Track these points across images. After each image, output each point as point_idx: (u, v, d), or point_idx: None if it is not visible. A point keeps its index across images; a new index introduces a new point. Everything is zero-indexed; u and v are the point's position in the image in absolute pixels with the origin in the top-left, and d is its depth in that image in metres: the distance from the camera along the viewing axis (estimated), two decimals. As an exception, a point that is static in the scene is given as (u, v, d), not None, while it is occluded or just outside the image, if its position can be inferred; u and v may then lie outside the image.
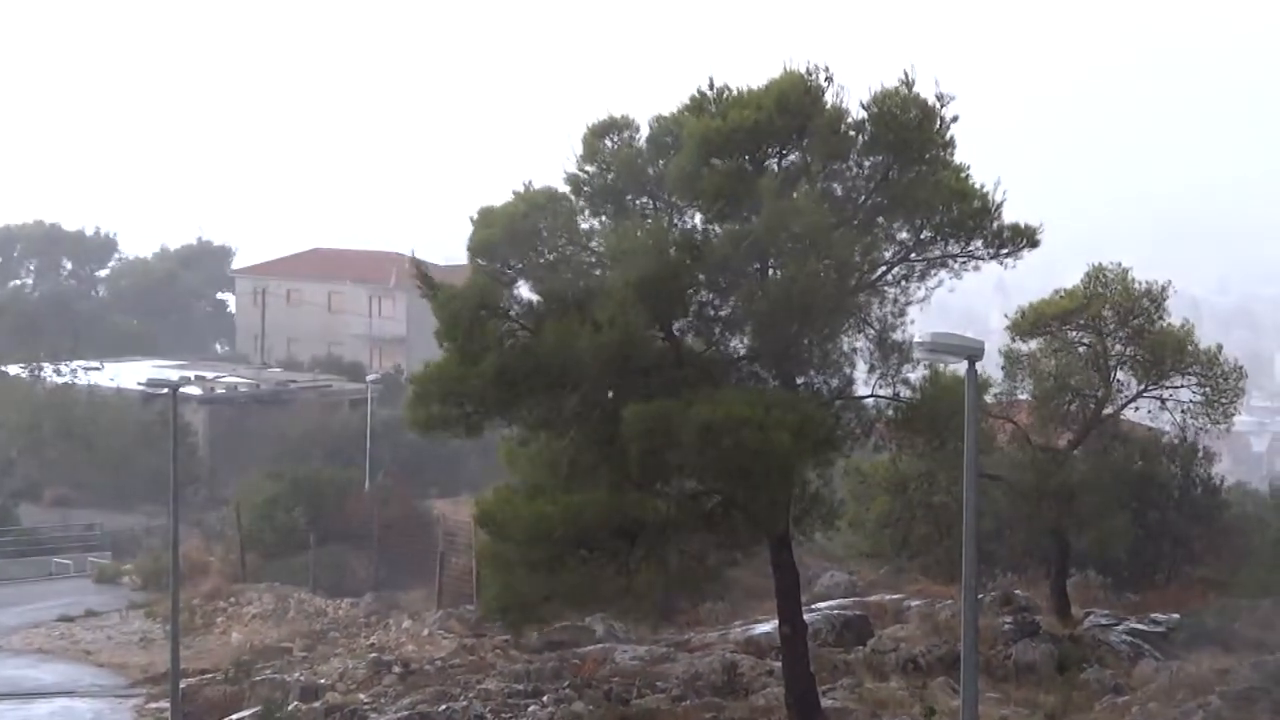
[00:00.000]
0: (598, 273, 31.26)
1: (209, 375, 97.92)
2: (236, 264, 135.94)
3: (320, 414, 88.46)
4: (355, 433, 77.41)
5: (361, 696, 39.74)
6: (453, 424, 31.52)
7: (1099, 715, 35.23)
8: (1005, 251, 32.67)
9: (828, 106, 31.70)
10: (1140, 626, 43.27)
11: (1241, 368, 46.95)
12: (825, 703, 34.57)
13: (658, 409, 29.32)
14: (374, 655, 44.68)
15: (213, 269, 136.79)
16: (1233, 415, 47.14)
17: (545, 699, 36.91)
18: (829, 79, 31.69)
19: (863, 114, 31.91)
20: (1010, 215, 32.54)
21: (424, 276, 31.64)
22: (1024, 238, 32.49)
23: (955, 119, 31.88)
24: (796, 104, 31.12)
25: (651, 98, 34.87)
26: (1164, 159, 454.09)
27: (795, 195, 30.34)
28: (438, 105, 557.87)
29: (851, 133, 31.99)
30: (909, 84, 31.87)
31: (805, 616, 35.95)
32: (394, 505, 64.45)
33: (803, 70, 31.61)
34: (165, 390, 42.18)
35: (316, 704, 39.06)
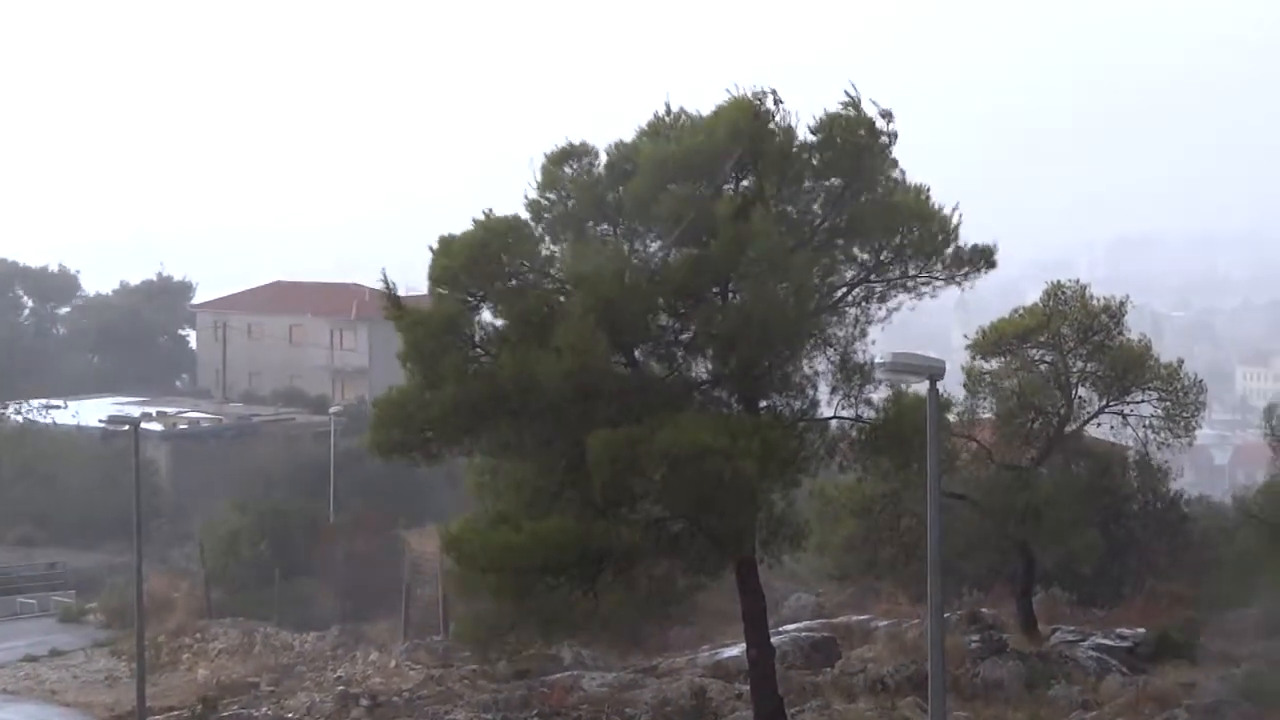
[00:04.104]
0: (560, 299, 31.23)
1: (171, 411, 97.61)
2: (197, 299, 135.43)
3: (283, 447, 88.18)
4: (319, 465, 77.21)
5: (329, 730, 39.63)
6: (413, 449, 31.53)
7: (1067, 731, 35.32)
8: (964, 273, 32.76)
9: (778, 130, 31.71)
10: (1106, 642, 43.40)
11: (1201, 382, 47.23)
12: (794, 725, 34.56)
13: (622, 437, 29.26)
14: (341, 688, 44.53)
15: (173, 305, 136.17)
16: (1194, 429, 47.37)
17: (514, 728, 36.85)
18: (778, 102, 31.71)
19: (812, 136, 31.94)
20: (969, 235, 32.70)
21: (391, 298, 31.64)
22: (982, 258, 32.59)
23: (896, 135, 31.91)
24: (746, 129, 31.12)
25: (611, 123, 34.92)
26: (1121, 176, 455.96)
27: (750, 219, 30.32)
28: (396, 135, 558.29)
29: (804, 155, 32.02)
30: (855, 104, 31.89)
31: (773, 639, 35.92)
32: (360, 537, 64.26)
33: (751, 95, 31.61)
34: (127, 427, 42.07)
35: (284, 738, 38.96)
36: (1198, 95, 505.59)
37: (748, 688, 35.66)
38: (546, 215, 32.47)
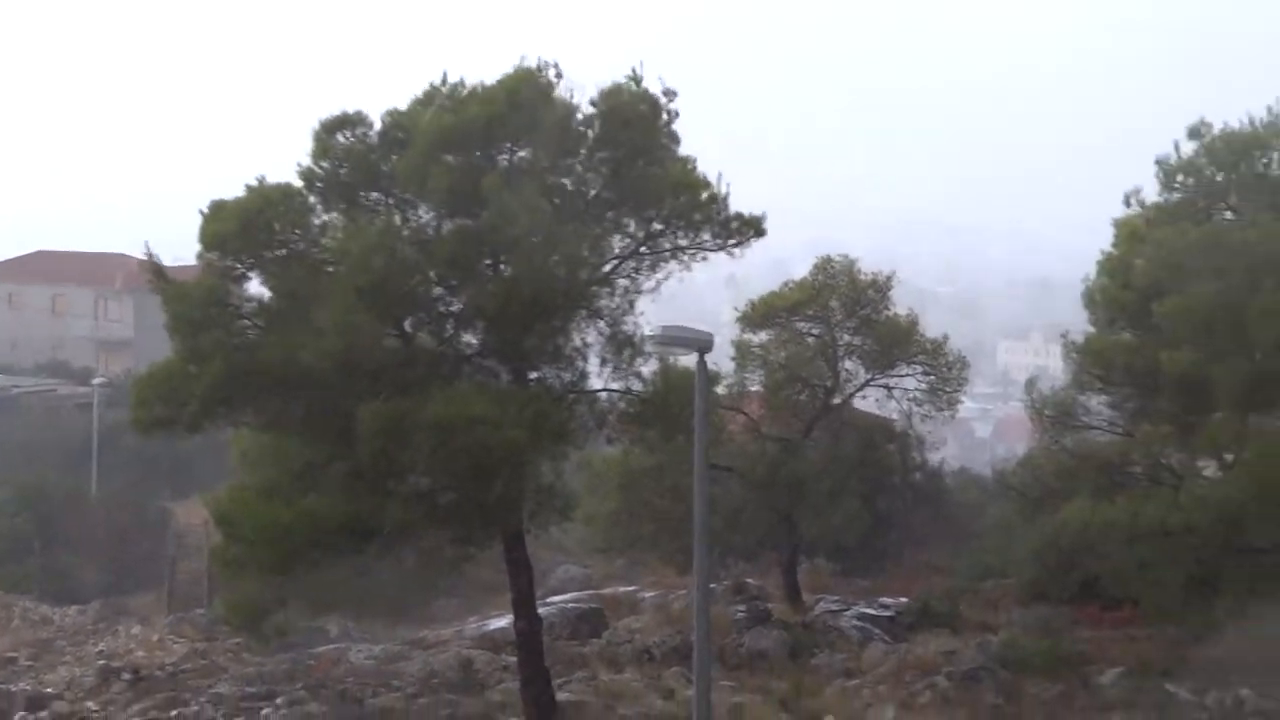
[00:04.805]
0: (330, 269, 30.95)
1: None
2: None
3: (45, 419, 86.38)
4: (82, 437, 75.81)
5: (90, 705, 38.87)
6: (177, 424, 31.07)
7: (830, 699, 35.83)
8: (733, 242, 33.00)
9: (558, 102, 31.79)
10: (869, 611, 44.14)
11: (964, 357, 48.21)
12: (561, 696, 34.67)
13: (391, 409, 29.12)
14: (102, 662, 43.73)
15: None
16: (957, 403, 48.36)
17: (279, 701, 36.49)
18: (559, 75, 31.80)
19: (592, 109, 32.08)
20: (738, 208, 32.95)
21: (155, 269, 31.09)
22: (750, 227, 32.83)
23: (678, 114, 32.21)
24: (527, 100, 31.17)
25: (385, 93, 34.69)
26: (891, 155, 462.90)
27: (520, 191, 30.33)
28: (165, 101, 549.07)
29: (582, 128, 32.12)
30: (637, 80, 32.11)
31: (540, 610, 36.03)
32: (123, 509, 63.24)
33: (533, 66, 31.68)
34: (-120, 396, 41.03)
35: (43, 713, 38.15)
36: (974, 86, 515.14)
37: (515, 659, 35.75)
38: (319, 184, 32.15)
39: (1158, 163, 36.97)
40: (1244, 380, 33.75)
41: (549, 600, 44.85)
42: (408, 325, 31.71)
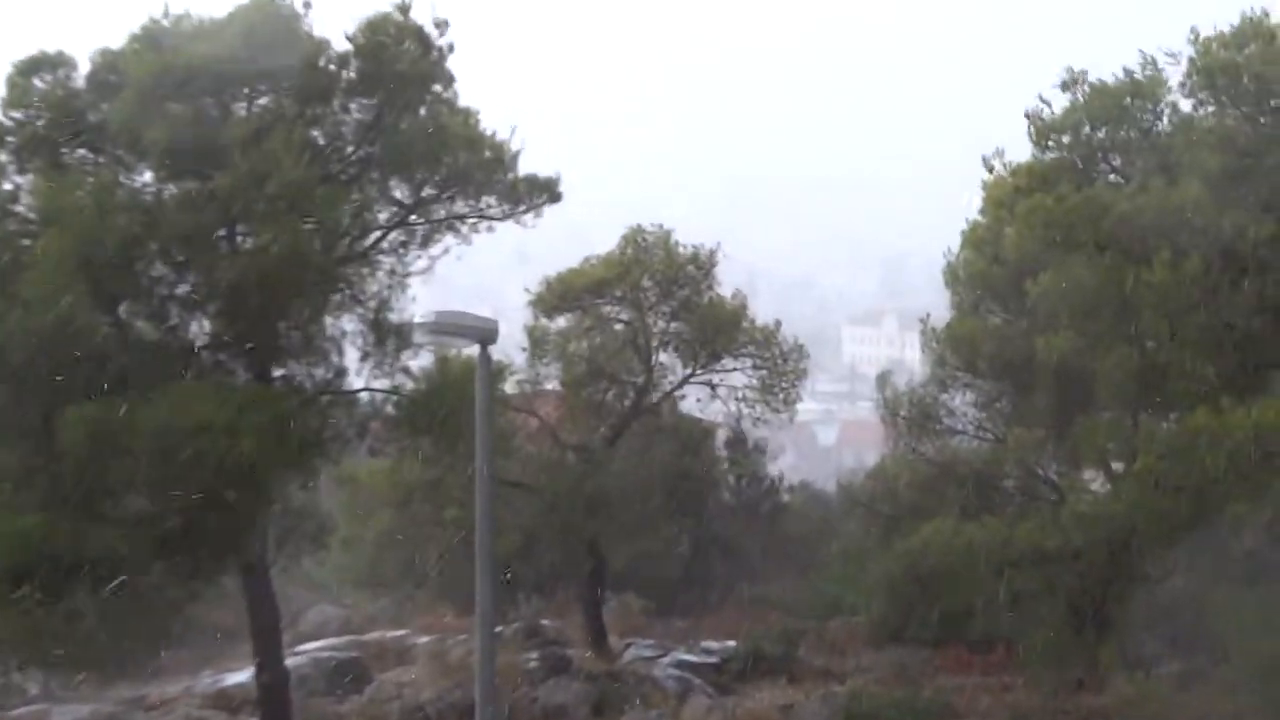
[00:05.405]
0: (26, 242, 30.47)
1: None
2: None
3: None
4: None
5: None
6: None
7: (642, 763, 36.05)
8: (523, 209, 33.00)
9: (305, 38, 31.55)
10: (690, 658, 44.27)
11: (803, 346, 48.13)
12: (314, 765, 34.57)
13: (102, 413, 28.71)
14: None
15: None
16: (794, 402, 48.35)
17: (-42, 777, 36.02)
18: (307, 4, 31.57)
19: (348, 46, 31.88)
20: (541, 171, 32.94)
21: None
22: (544, 191, 32.87)
23: (453, 48, 32.11)
24: (266, 35, 30.88)
25: (94, 29, 34.18)
26: (714, 110, 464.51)
27: (270, 145, 30.05)
28: None
29: (335, 68, 31.91)
30: (404, 9, 31.95)
31: (289, 661, 35.81)
32: None
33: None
34: None
35: None
36: (812, 27, 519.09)
37: (257, 720, 35.52)
38: (11, 139, 31.65)
39: (1028, 117, 37.31)
40: (1133, 373, 34.24)
41: (300, 649, 44.52)
42: (123, 311, 31.29)
